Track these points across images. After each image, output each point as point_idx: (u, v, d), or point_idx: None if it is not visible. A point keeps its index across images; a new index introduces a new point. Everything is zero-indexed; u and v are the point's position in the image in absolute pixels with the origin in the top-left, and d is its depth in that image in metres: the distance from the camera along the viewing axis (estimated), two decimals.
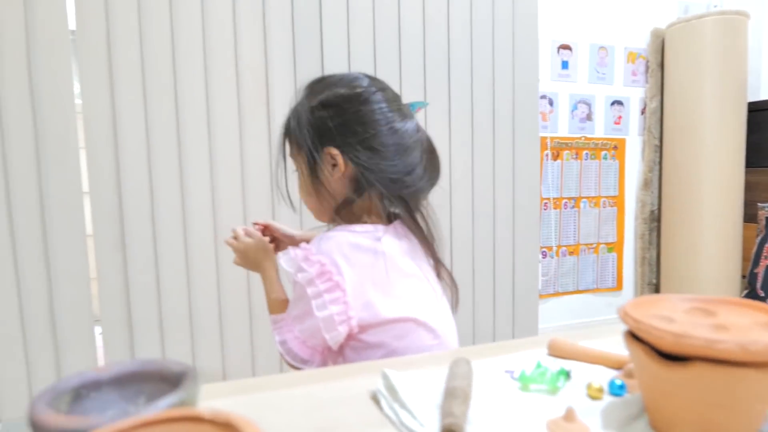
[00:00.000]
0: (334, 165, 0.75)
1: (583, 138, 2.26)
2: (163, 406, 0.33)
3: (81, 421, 0.31)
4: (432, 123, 1.80)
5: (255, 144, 1.57)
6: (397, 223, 0.77)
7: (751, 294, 2.15)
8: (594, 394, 0.52)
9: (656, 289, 2.43)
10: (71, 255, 1.44)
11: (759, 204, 2.14)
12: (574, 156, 2.26)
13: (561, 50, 2.21)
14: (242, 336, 1.60)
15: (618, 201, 2.37)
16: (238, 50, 1.53)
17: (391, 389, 0.53)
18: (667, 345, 0.41)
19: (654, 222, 2.40)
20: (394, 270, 0.72)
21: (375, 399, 0.53)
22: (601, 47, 2.28)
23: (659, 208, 2.38)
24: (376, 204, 0.76)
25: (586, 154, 2.28)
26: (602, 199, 2.34)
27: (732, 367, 0.39)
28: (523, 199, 1.98)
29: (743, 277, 2.20)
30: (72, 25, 1.39)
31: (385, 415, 0.50)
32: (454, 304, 0.81)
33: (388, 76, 1.72)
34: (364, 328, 0.70)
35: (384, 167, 0.73)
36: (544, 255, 2.24)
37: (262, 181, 1.57)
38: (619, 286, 2.39)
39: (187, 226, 1.52)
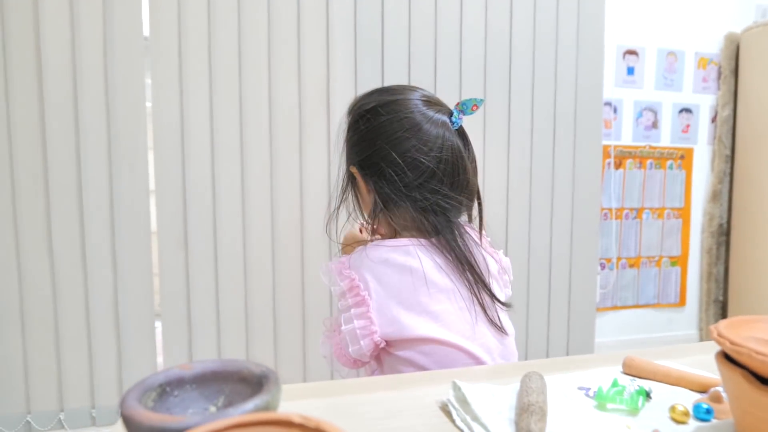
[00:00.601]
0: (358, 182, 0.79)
1: (647, 146, 2.17)
2: (250, 408, 0.33)
3: (173, 420, 0.31)
4: (490, 128, 1.77)
5: (314, 150, 1.59)
6: (435, 239, 0.75)
7: None
8: (679, 418, 0.50)
9: (723, 307, 2.30)
10: (137, 251, 1.50)
11: None
12: (638, 165, 2.17)
13: (627, 55, 2.13)
14: (295, 339, 1.62)
15: (683, 213, 2.26)
16: (301, 60, 1.56)
17: (462, 401, 0.52)
18: (761, 366, 0.38)
19: (723, 236, 2.27)
20: (424, 286, 0.71)
21: (445, 410, 0.52)
22: (670, 52, 2.19)
23: (728, 222, 2.25)
24: (412, 218, 0.75)
25: (651, 163, 2.19)
26: (666, 211, 2.23)
27: None
28: (582, 208, 1.92)
29: None
30: (146, 32, 1.46)
31: (457, 426, 0.49)
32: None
33: (447, 83, 1.71)
34: (391, 343, 0.71)
35: (396, 181, 0.74)
36: (603, 267, 2.16)
37: (320, 187, 1.60)
38: (682, 302, 2.27)
39: (246, 227, 1.56)
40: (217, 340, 1.57)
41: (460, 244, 0.75)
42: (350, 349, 0.70)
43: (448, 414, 0.51)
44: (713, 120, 2.26)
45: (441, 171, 0.74)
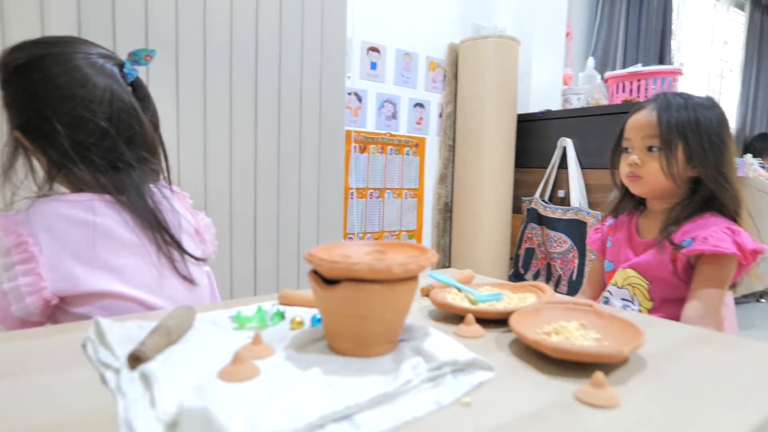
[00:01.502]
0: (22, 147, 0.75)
1: (388, 134, 2.47)
2: None
3: None
4: (237, 114, 1.81)
5: None
6: (123, 196, 0.75)
7: (515, 271, 2.57)
8: (295, 326, 0.62)
9: None
10: None
11: (523, 198, 2.56)
12: (380, 150, 2.46)
13: (370, 51, 2.38)
14: None
15: (418, 193, 2.64)
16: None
17: (100, 335, 0.56)
18: (325, 270, 0.51)
19: (447, 213, 2.72)
20: (107, 241, 0.71)
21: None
22: (406, 53, 2.52)
23: (452, 201, 2.70)
24: (93, 178, 0.74)
25: (391, 149, 2.50)
26: (404, 191, 2.58)
27: (365, 284, 0.50)
28: (328, 187, 2.10)
29: (510, 258, 2.61)
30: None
31: (87, 357, 0.53)
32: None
33: (192, 70, 1.69)
34: (66, 300, 0.70)
35: (65, 143, 0.71)
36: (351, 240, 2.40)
37: None
38: None
39: None
40: None
41: (149, 202, 0.78)
42: (13, 308, 0.67)
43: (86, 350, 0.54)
44: (440, 115, 2.68)
45: (115, 128, 0.74)
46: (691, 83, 4.64)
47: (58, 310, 0.72)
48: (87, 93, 0.72)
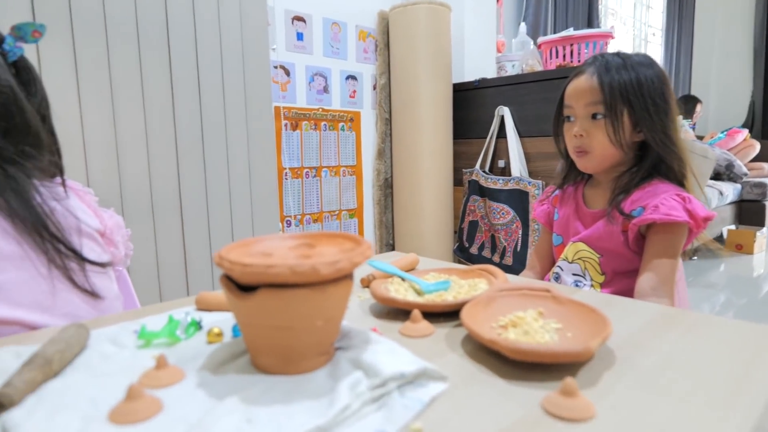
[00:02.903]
0: None
1: (320, 109, 2.35)
2: None
3: None
4: (150, 96, 1.64)
5: None
6: (1, 199, 0.62)
7: (460, 245, 2.55)
8: (212, 339, 0.52)
9: (393, 248, 2.70)
10: None
11: (463, 170, 2.53)
12: (313, 127, 2.33)
13: (295, 21, 2.23)
14: None
15: (357, 170, 2.55)
16: None
17: None
18: (239, 276, 0.42)
19: (388, 188, 2.65)
20: None
21: None
22: (334, 22, 2.38)
23: (392, 176, 2.63)
24: None
25: (325, 125, 2.38)
26: (342, 168, 2.48)
27: (286, 289, 0.41)
28: (260, 170, 1.96)
29: (455, 232, 2.59)
30: None
31: None
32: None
33: (93, 48, 1.50)
34: None
35: None
36: (289, 224, 2.28)
37: None
38: None
39: None
40: None
41: (33, 203, 0.64)
42: None
43: None
44: (374, 87, 2.58)
45: None
46: (619, 47, 4.76)
47: None
48: None
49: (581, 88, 0.91)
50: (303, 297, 0.41)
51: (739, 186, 3.50)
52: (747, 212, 3.54)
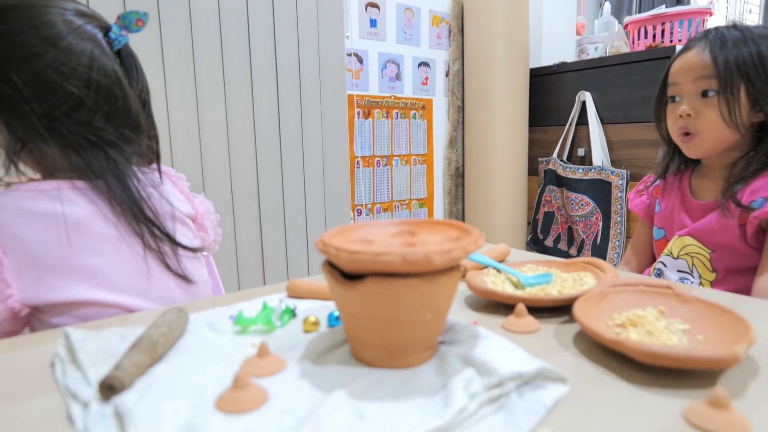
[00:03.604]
0: None
1: (392, 97, 2.33)
2: None
3: None
4: (231, 85, 1.68)
5: None
6: (100, 181, 0.64)
7: (534, 237, 2.46)
8: (309, 328, 0.51)
9: None
10: None
11: (539, 159, 2.43)
12: (385, 115, 2.31)
13: (369, 8, 2.22)
14: None
15: (427, 159, 2.51)
16: None
17: (71, 351, 0.45)
18: (344, 263, 0.40)
19: (459, 178, 2.59)
20: (79, 236, 0.61)
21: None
22: (408, 8, 2.34)
23: (463, 165, 2.57)
24: (64, 157, 0.63)
25: (396, 113, 2.35)
26: (413, 157, 2.45)
27: (397, 279, 0.38)
28: (333, 157, 1.98)
29: (528, 223, 2.49)
30: None
31: (55, 380, 0.42)
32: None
33: (178, 37, 1.55)
34: (40, 308, 0.60)
35: (30, 111, 0.60)
36: (359, 213, 2.28)
37: None
38: None
39: None
40: None
41: (131, 187, 0.66)
42: None
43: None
44: (447, 74, 2.52)
45: (92, 99, 0.62)
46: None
47: (33, 317, 0.62)
48: (59, 54, 0.60)
49: (690, 63, 0.83)
50: (413, 287, 0.38)
51: None
52: None
